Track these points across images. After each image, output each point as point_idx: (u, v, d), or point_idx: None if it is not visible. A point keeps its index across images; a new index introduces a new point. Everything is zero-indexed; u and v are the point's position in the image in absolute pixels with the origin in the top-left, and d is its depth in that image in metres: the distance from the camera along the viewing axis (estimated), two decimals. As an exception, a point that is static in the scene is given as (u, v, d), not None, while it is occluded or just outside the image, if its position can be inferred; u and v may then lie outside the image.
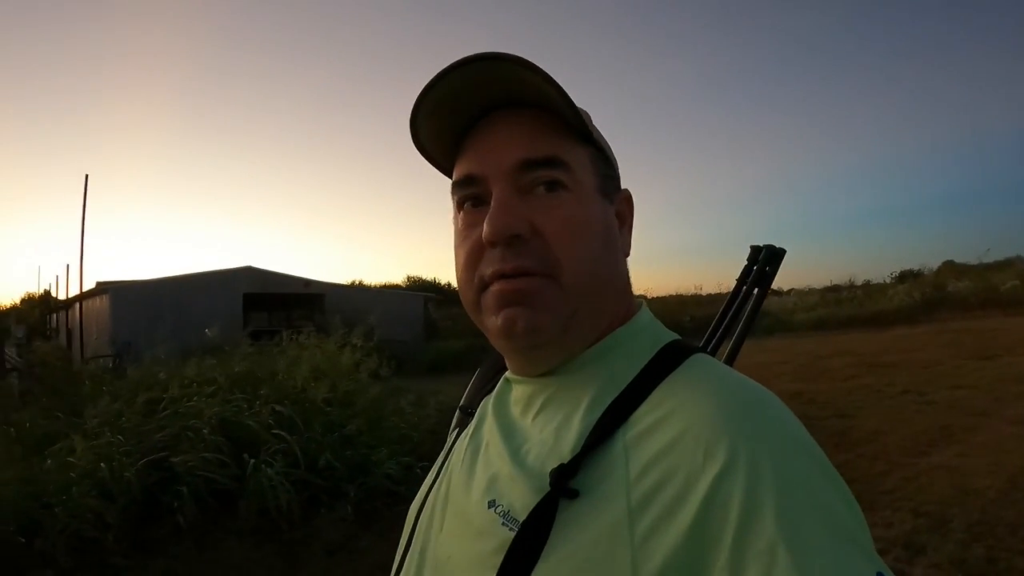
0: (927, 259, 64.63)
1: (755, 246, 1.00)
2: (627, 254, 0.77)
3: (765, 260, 0.98)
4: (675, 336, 0.74)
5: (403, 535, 0.84)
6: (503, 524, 0.62)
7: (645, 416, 0.60)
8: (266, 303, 20.19)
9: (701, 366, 0.66)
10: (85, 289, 18.08)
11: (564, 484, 0.58)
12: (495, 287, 0.67)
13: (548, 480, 0.60)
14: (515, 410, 0.76)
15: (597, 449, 0.60)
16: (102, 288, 17.32)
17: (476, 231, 0.69)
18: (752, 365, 13.00)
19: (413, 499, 0.86)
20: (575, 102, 0.68)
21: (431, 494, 0.81)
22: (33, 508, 4.72)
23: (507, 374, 0.81)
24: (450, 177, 0.76)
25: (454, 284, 0.80)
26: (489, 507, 0.65)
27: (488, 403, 0.82)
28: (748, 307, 1.01)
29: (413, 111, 0.69)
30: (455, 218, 0.75)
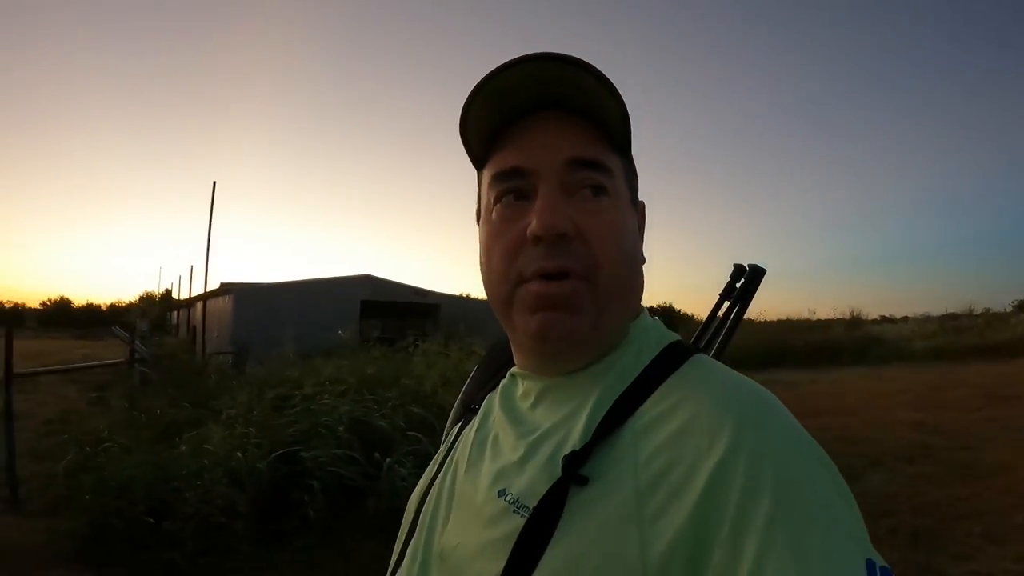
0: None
1: (738, 264, 1.02)
2: (643, 261, 0.78)
3: (748, 278, 1.01)
4: (677, 336, 0.76)
5: (402, 527, 0.84)
6: (514, 511, 0.63)
7: (652, 408, 0.62)
8: (380, 311, 20.67)
9: (703, 364, 0.68)
10: (209, 289, 18.81)
11: (575, 470, 0.60)
12: (534, 286, 0.68)
13: (559, 468, 0.61)
14: (523, 404, 0.77)
15: (607, 438, 0.61)
16: (225, 289, 18.07)
17: (516, 225, 0.69)
18: (869, 393, 12.58)
19: None
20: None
21: (434, 487, 0.81)
22: (163, 491, 4.83)
23: (513, 369, 0.83)
24: (476, 165, 0.78)
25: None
26: (499, 496, 0.66)
27: (494, 398, 0.83)
28: (728, 323, 1.02)
29: (471, 95, 0.69)
30: (487, 208, 0.74)
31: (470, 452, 0.77)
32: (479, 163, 0.77)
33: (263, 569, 4.32)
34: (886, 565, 0.50)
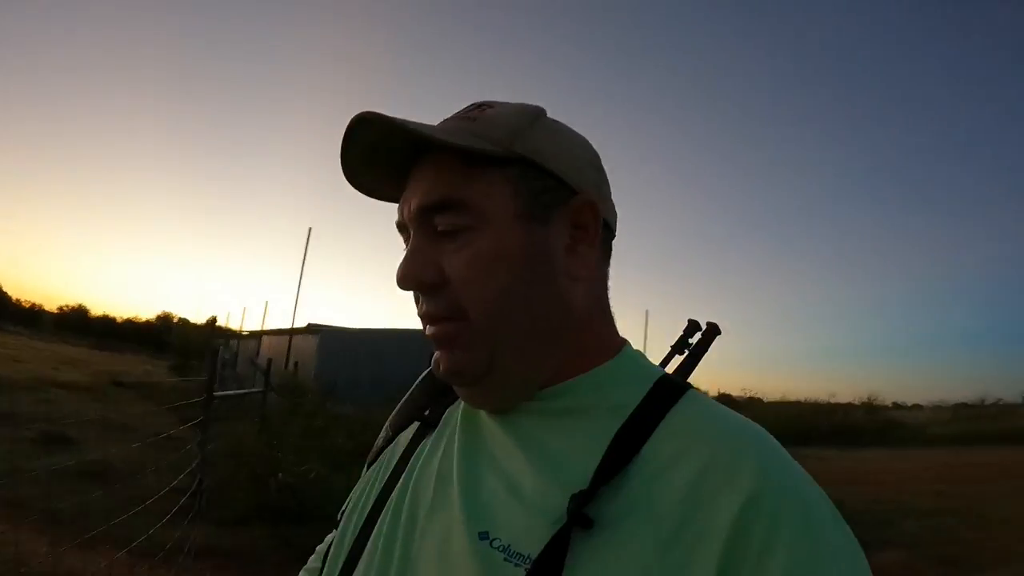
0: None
1: (693, 320, 0.95)
2: (582, 276, 0.69)
3: (704, 335, 0.94)
4: (663, 371, 0.72)
5: (334, 552, 0.75)
6: (506, 560, 0.56)
7: (660, 447, 0.58)
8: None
9: (700, 401, 0.64)
10: (296, 326, 19.13)
11: (582, 514, 0.54)
12: (426, 331, 0.69)
13: (559, 510, 0.56)
14: (494, 433, 0.68)
15: (613, 479, 0.57)
16: (312, 329, 18.63)
17: None
18: (895, 469, 13.90)
19: None
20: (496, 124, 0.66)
21: (385, 515, 0.70)
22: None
23: None
24: None
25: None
26: (482, 539, 0.58)
27: (455, 415, 0.75)
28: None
29: (345, 173, 0.70)
30: None
31: (435, 483, 0.68)
32: None
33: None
34: None
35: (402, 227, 0.71)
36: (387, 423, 0.88)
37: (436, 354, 0.68)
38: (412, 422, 0.82)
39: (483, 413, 0.71)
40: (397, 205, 0.71)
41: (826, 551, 0.51)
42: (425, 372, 0.86)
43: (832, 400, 30.72)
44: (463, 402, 0.74)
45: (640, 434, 0.60)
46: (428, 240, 0.67)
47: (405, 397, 0.88)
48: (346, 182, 0.72)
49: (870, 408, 29.80)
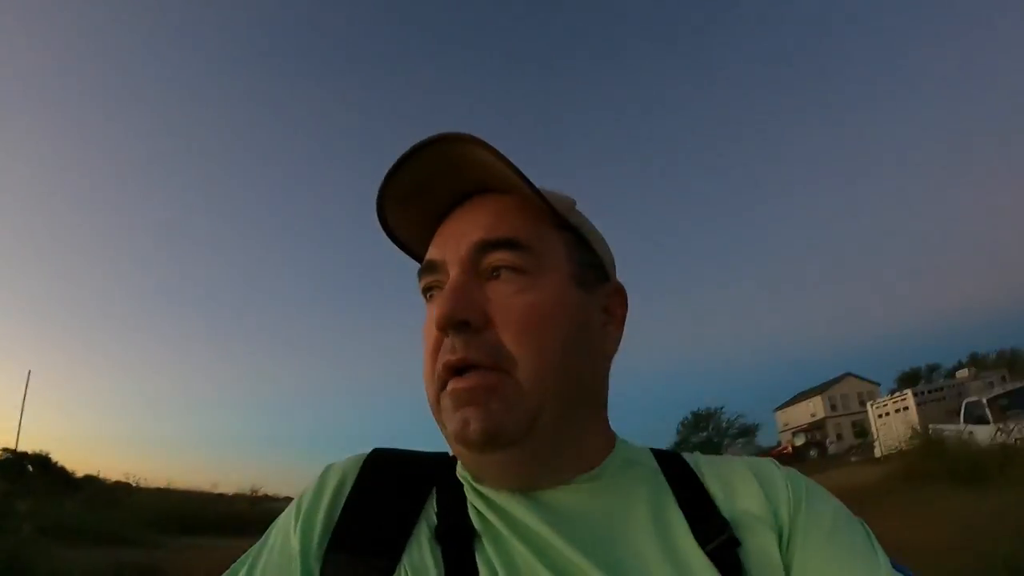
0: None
1: None
2: (610, 354, 0.73)
3: None
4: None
5: None
6: None
7: (714, 486, 0.69)
8: None
9: (697, 454, 0.76)
10: None
11: (734, 538, 0.63)
12: (449, 386, 0.62)
13: (687, 562, 0.61)
14: (547, 521, 0.63)
15: (712, 519, 0.65)
16: None
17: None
18: None
19: None
20: (549, 187, 0.69)
21: None
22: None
23: (486, 488, 0.67)
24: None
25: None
26: None
27: (489, 519, 0.65)
28: None
29: (378, 198, 0.67)
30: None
31: None
32: None
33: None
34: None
35: (434, 268, 0.67)
36: (325, 544, 0.64)
37: (459, 413, 0.61)
38: (402, 534, 0.65)
39: (517, 508, 0.64)
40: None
41: (823, 490, 0.70)
42: (349, 490, 0.69)
43: (215, 490, 29.51)
44: (479, 492, 0.67)
45: (693, 482, 0.70)
46: (473, 279, 0.64)
47: (344, 499, 0.68)
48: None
49: (254, 499, 28.77)
